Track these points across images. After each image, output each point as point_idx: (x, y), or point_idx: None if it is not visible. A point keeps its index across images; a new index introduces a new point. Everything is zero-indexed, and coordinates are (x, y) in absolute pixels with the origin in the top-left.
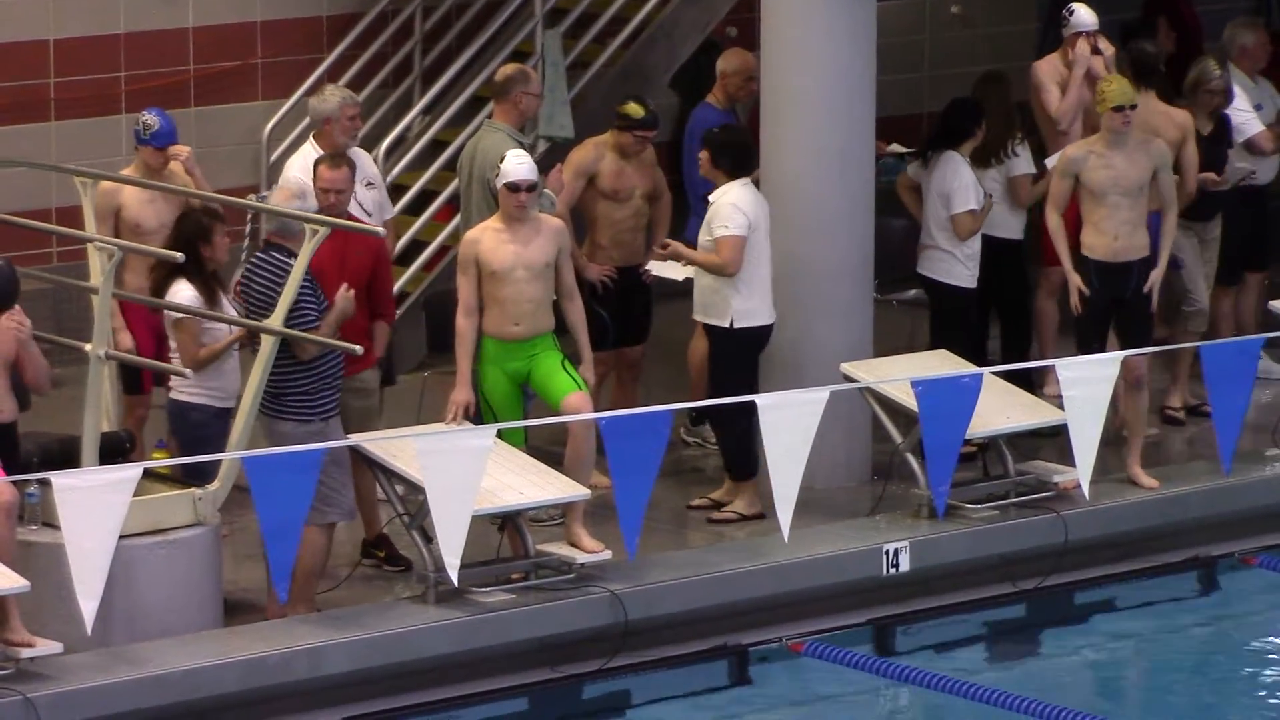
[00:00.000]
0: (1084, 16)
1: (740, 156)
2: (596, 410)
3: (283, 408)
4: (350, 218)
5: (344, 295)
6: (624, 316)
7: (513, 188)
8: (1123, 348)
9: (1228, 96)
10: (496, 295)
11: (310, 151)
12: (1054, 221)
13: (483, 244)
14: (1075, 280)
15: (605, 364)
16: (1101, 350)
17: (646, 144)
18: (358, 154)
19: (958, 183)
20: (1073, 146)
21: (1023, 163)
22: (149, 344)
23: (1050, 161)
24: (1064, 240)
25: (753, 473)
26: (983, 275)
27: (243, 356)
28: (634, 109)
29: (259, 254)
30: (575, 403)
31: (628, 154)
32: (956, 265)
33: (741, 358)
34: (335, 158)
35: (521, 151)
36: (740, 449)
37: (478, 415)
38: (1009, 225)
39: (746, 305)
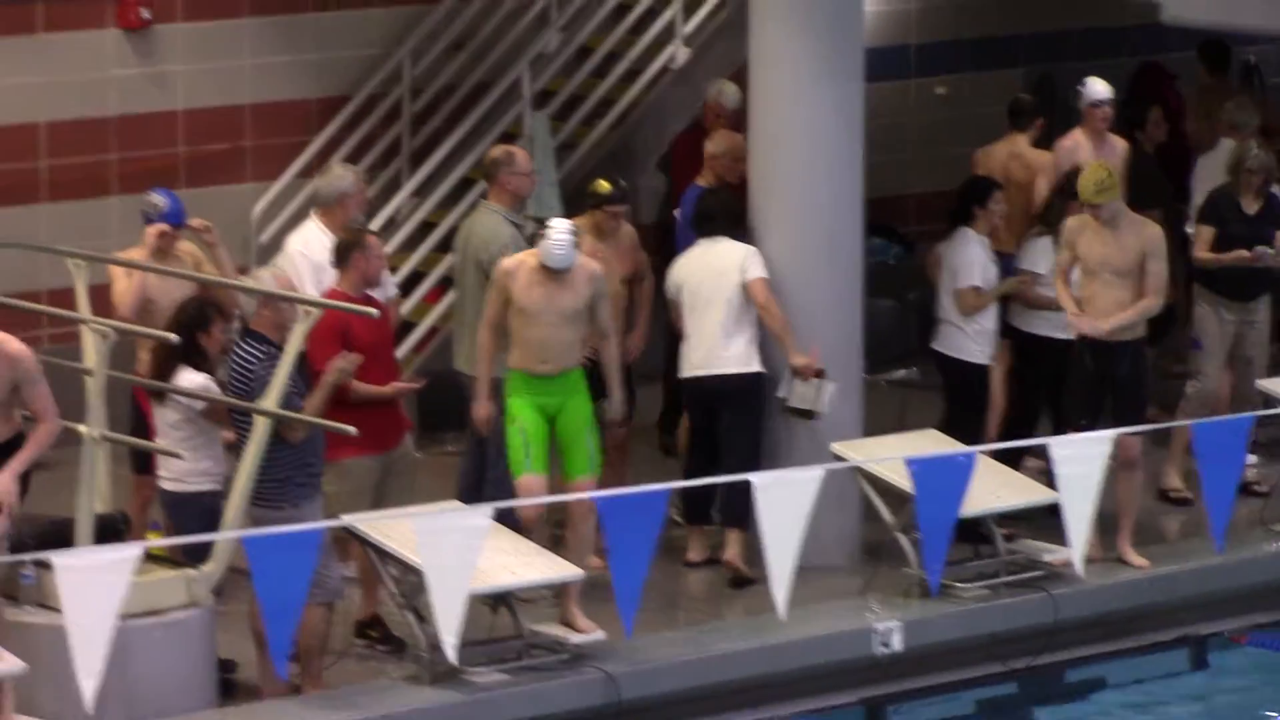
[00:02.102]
0: (1097, 88)
1: (699, 221)
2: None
3: (254, 494)
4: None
5: (340, 366)
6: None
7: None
8: (1116, 417)
9: (1269, 175)
10: (526, 334)
11: (313, 229)
12: (1058, 287)
13: (517, 280)
14: (1082, 322)
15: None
16: (1091, 428)
17: (619, 219)
18: None
19: (964, 258)
20: (1074, 217)
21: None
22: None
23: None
24: (1068, 297)
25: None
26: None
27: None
28: (601, 185)
29: (235, 342)
30: (583, 487)
31: (604, 232)
32: (966, 341)
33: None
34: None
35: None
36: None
37: (499, 431)
38: (1039, 320)
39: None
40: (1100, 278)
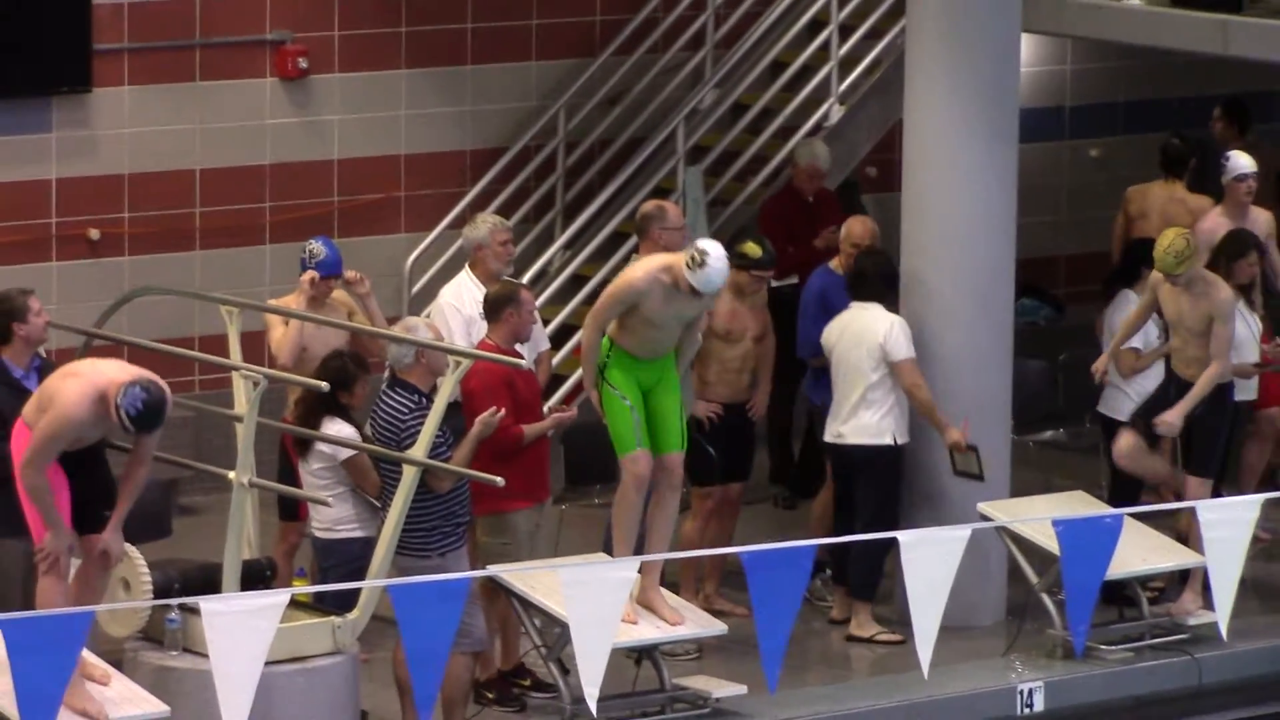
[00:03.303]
0: (1240, 162)
1: (853, 281)
2: (703, 545)
3: (401, 543)
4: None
5: (486, 419)
6: (728, 453)
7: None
8: (1185, 464)
9: None
10: (642, 333)
11: (465, 280)
12: (1115, 341)
13: (651, 298)
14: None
15: (712, 498)
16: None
17: (763, 284)
18: None
19: (1125, 319)
20: (1155, 273)
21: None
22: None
23: None
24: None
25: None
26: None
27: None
28: (752, 248)
29: (383, 391)
30: (676, 461)
31: (744, 293)
32: (1126, 402)
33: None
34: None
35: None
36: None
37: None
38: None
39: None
40: (1179, 332)
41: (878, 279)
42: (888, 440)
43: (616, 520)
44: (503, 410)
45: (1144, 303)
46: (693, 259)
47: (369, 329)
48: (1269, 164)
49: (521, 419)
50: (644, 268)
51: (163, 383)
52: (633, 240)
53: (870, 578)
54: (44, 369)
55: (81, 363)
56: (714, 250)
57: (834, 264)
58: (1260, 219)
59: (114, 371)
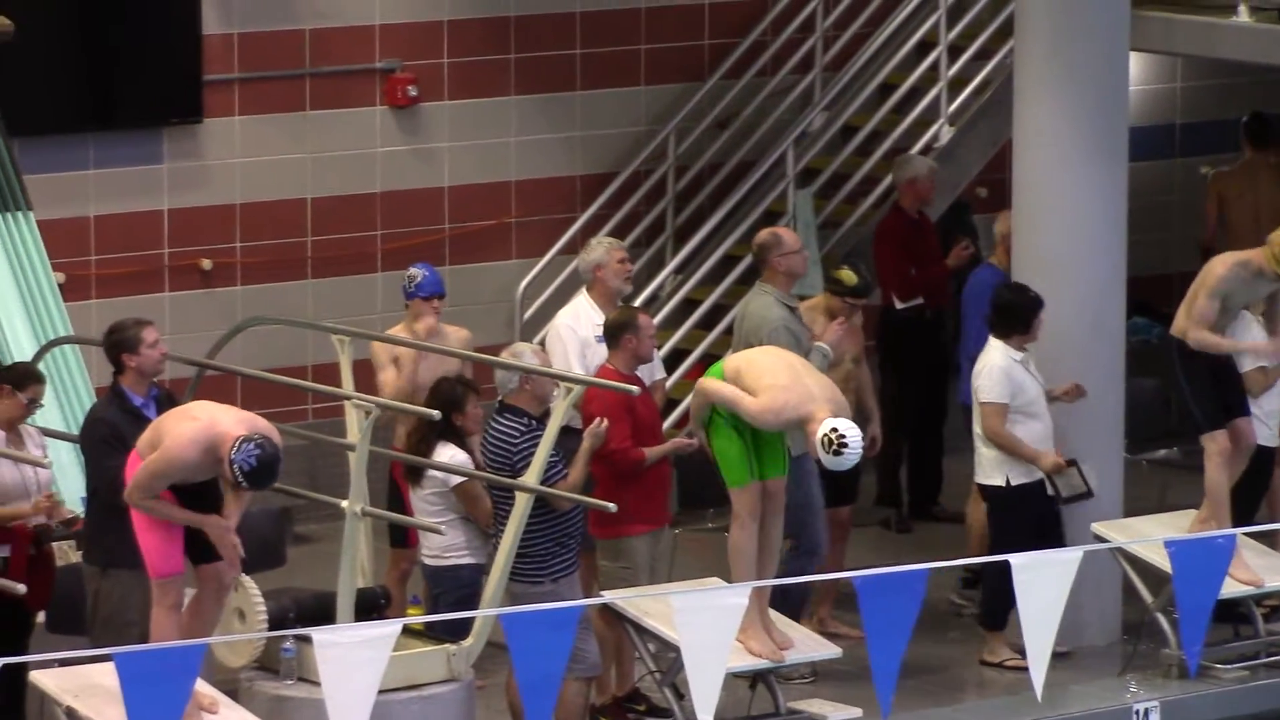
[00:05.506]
0: None
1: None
2: (812, 571)
3: (513, 569)
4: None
5: (595, 431)
6: (833, 477)
7: None
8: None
9: None
10: None
11: (583, 303)
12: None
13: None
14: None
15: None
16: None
17: (856, 311)
18: None
19: (1246, 340)
20: (1221, 264)
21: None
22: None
23: None
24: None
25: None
26: None
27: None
28: (847, 275)
29: (492, 417)
30: (776, 487)
31: (835, 317)
32: (1256, 423)
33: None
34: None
35: (860, 444)
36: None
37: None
38: None
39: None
40: (1232, 312)
41: (1014, 316)
42: (999, 480)
43: (735, 555)
44: (606, 421)
45: (1214, 306)
46: (828, 440)
47: (477, 355)
48: None
49: (642, 442)
50: (776, 410)
51: (275, 433)
52: (743, 264)
53: (999, 608)
54: (162, 399)
55: (200, 405)
56: (853, 442)
57: (994, 259)
58: None
59: (230, 423)
